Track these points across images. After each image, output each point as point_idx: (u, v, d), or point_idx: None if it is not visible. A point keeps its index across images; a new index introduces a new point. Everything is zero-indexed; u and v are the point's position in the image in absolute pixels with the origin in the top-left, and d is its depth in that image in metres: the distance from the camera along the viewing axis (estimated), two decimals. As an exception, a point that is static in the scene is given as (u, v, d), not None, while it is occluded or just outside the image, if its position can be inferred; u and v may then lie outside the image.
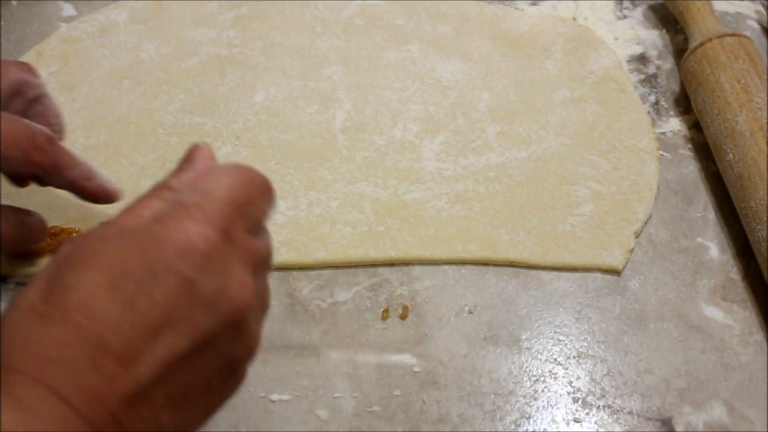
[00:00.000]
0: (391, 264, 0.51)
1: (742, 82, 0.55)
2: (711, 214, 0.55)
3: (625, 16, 0.69)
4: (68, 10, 0.66)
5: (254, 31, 0.64)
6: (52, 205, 0.51)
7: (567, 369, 0.47)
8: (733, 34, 0.59)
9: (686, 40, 0.63)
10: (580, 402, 0.46)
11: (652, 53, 0.66)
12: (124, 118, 0.58)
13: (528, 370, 0.47)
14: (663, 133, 0.60)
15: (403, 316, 0.49)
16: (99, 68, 0.61)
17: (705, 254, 0.53)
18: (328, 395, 0.45)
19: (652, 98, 0.63)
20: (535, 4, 0.69)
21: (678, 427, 0.45)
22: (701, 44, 0.59)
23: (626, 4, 0.70)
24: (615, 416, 0.45)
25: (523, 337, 0.48)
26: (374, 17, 0.66)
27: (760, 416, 0.45)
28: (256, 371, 0.46)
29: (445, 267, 0.51)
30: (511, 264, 0.51)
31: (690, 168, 0.58)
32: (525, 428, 0.44)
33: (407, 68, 0.62)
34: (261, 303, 0.35)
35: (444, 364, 0.47)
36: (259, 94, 0.60)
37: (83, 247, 0.32)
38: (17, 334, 0.30)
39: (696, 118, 0.60)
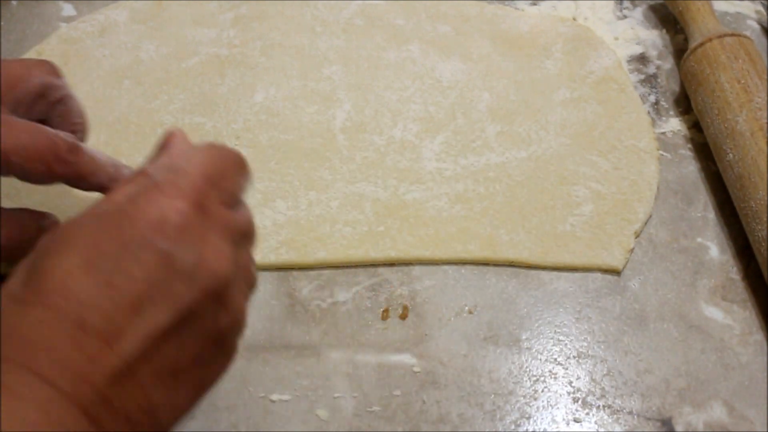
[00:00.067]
0: (391, 264, 0.51)
1: (742, 82, 0.55)
2: (711, 214, 0.55)
3: (625, 16, 0.69)
4: (68, 10, 0.66)
5: (254, 31, 0.64)
6: (51, 205, 0.51)
7: (567, 369, 0.47)
8: (733, 34, 0.59)
9: (686, 40, 0.63)
10: (580, 402, 0.46)
11: (652, 53, 0.66)
12: (124, 118, 0.58)
13: (528, 370, 0.47)
14: (663, 133, 0.60)
15: (403, 316, 0.49)
16: (99, 68, 0.61)
17: (705, 254, 0.53)
18: (328, 395, 0.45)
19: (652, 98, 0.63)
20: (535, 4, 0.69)
21: (678, 427, 0.45)
22: (701, 44, 0.59)
23: (626, 4, 0.70)
24: (615, 416, 0.45)
25: (523, 337, 0.48)
26: (374, 17, 0.66)
27: (760, 416, 0.45)
28: (256, 371, 0.46)
29: (445, 267, 0.51)
30: (511, 264, 0.51)
31: (690, 168, 0.58)
32: (525, 428, 0.44)
33: (407, 68, 0.62)
34: (244, 275, 0.35)
35: (444, 364, 0.47)
36: (259, 94, 0.60)
37: (59, 234, 0.32)
38: (0, 322, 0.30)
39: (696, 118, 0.60)
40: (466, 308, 0.49)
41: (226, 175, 0.35)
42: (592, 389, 0.46)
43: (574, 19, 0.68)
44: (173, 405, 0.32)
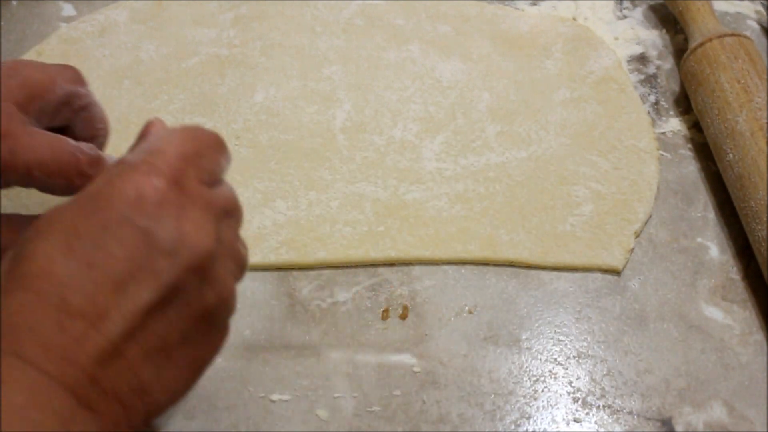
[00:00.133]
0: (391, 264, 0.51)
1: (742, 82, 0.55)
2: (711, 214, 0.55)
3: (625, 16, 0.69)
4: (68, 10, 0.66)
5: (254, 31, 0.64)
6: (51, 205, 0.51)
7: (567, 369, 0.47)
8: (733, 34, 0.59)
9: (686, 40, 0.63)
10: (580, 402, 0.46)
11: (652, 53, 0.66)
12: (124, 118, 0.58)
13: (528, 370, 0.47)
14: (663, 133, 0.60)
15: (403, 316, 0.49)
16: (99, 68, 0.61)
17: (705, 254, 0.53)
18: (328, 395, 0.45)
19: (652, 98, 0.63)
20: (535, 4, 0.69)
21: (678, 427, 0.45)
22: (701, 44, 0.59)
23: (626, 4, 0.70)
24: (615, 416, 0.45)
25: (523, 337, 0.48)
26: (374, 17, 0.66)
27: (760, 416, 0.45)
28: (256, 371, 0.46)
29: (445, 267, 0.51)
30: (511, 264, 0.51)
31: (690, 168, 0.58)
32: (525, 428, 0.44)
33: (407, 68, 0.62)
34: (231, 253, 0.35)
35: (444, 364, 0.47)
36: (259, 94, 0.60)
37: (39, 222, 0.32)
38: None
39: (696, 118, 0.60)
40: (466, 308, 0.49)
41: (202, 153, 0.35)
42: (592, 389, 0.46)
43: (574, 19, 0.68)
44: (166, 384, 0.32)
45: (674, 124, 0.61)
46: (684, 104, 0.62)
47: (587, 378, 0.47)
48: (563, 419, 0.45)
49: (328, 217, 0.52)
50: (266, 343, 0.47)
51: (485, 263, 0.51)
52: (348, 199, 0.53)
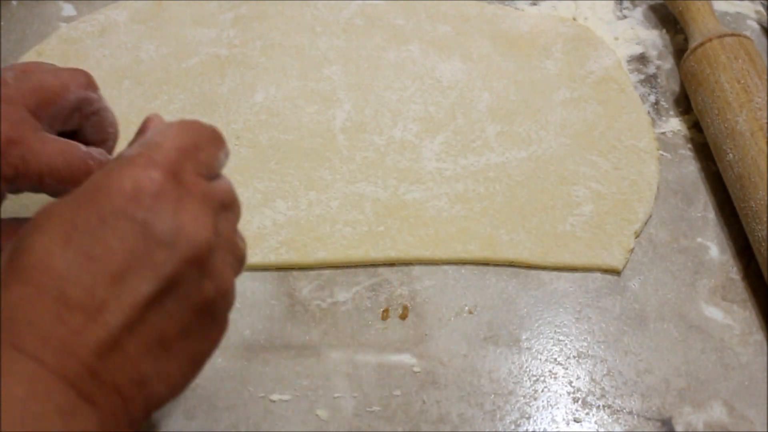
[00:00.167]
0: (391, 264, 0.51)
1: (742, 82, 0.55)
2: (711, 214, 0.55)
3: (625, 16, 0.69)
4: (68, 10, 0.66)
5: (254, 31, 0.64)
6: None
7: (567, 369, 0.47)
8: (733, 34, 0.59)
9: (686, 40, 0.63)
10: (580, 402, 0.46)
11: (652, 53, 0.66)
12: (124, 118, 0.57)
13: (528, 370, 0.47)
14: (663, 133, 0.60)
15: (403, 316, 0.49)
16: (99, 68, 0.61)
17: (705, 254, 0.53)
18: (328, 395, 0.45)
19: (652, 98, 0.63)
20: (535, 4, 0.69)
21: (678, 427, 0.45)
22: (701, 44, 0.59)
23: (626, 4, 0.70)
24: (615, 416, 0.45)
25: (523, 337, 0.48)
26: (374, 17, 0.66)
27: (760, 416, 0.45)
28: (256, 371, 0.46)
29: (445, 267, 0.51)
30: (511, 264, 0.51)
31: (690, 168, 0.58)
32: (525, 428, 0.44)
33: (407, 68, 0.62)
34: (229, 247, 0.35)
35: (444, 364, 0.47)
36: (259, 94, 0.60)
37: (38, 216, 0.32)
38: None
39: (696, 118, 0.60)
40: (466, 308, 0.49)
41: (200, 147, 0.35)
42: (592, 389, 0.46)
43: (574, 19, 0.68)
44: (165, 377, 0.32)
45: (674, 124, 0.61)
46: (684, 104, 0.62)
47: (587, 378, 0.47)
48: (563, 419, 0.45)
49: (328, 217, 0.52)
50: (266, 343, 0.47)
51: (485, 263, 0.51)
52: (348, 199, 0.53)
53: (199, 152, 0.35)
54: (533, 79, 0.62)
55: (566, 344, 0.48)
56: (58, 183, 0.41)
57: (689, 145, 0.59)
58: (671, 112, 0.62)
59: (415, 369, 0.46)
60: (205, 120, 0.57)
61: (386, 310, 0.49)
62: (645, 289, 0.51)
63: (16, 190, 0.41)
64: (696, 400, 0.46)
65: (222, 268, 0.34)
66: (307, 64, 0.62)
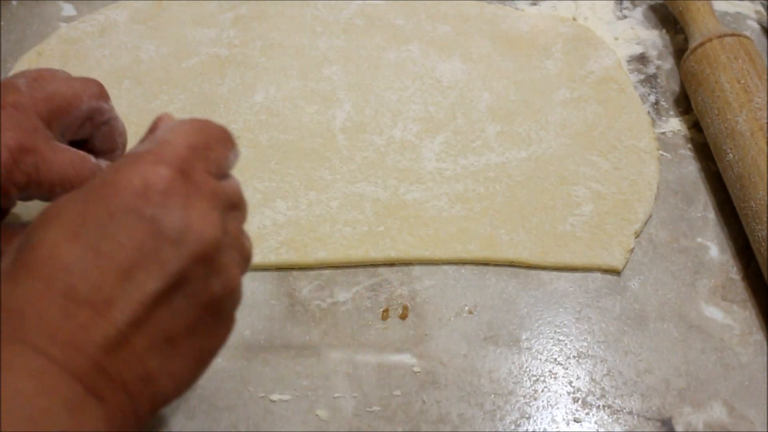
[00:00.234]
0: (391, 264, 0.51)
1: (742, 82, 0.55)
2: (711, 214, 0.55)
3: (625, 16, 0.69)
4: (68, 10, 0.66)
5: (254, 31, 0.64)
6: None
7: (567, 369, 0.47)
8: (733, 34, 0.59)
9: (686, 40, 0.63)
10: (580, 402, 0.46)
11: (652, 53, 0.66)
12: (124, 118, 0.57)
13: (528, 370, 0.47)
14: (663, 133, 0.60)
15: (403, 316, 0.49)
16: (99, 68, 0.61)
17: (705, 254, 0.53)
18: (328, 395, 0.45)
19: (652, 98, 0.63)
20: (535, 4, 0.69)
21: (678, 427, 0.45)
22: (701, 44, 0.59)
23: (626, 4, 0.70)
24: (615, 416, 0.45)
25: (523, 337, 0.48)
26: (374, 17, 0.66)
27: (760, 416, 0.45)
28: (256, 371, 0.46)
29: (445, 267, 0.51)
30: (511, 264, 0.51)
31: (690, 168, 0.58)
32: (525, 428, 0.44)
33: (407, 68, 0.62)
34: (236, 245, 0.35)
35: (444, 364, 0.47)
36: (259, 94, 0.60)
37: (46, 210, 0.32)
38: None
39: (696, 118, 0.60)
40: (466, 308, 0.49)
41: (210, 146, 0.35)
42: (592, 389, 0.46)
43: (574, 19, 0.68)
44: (172, 374, 0.32)
45: (674, 124, 0.61)
46: (684, 104, 0.62)
47: (587, 378, 0.47)
48: (563, 419, 0.45)
49: (328, 217, 0.52)
50: (266, 343, 0.47)
51: (485, 263, 0.51)
52: (348, 199, 0.53)
53: (209, 151, 0.35)
54: (533, 79, 0.62)
55: (566, 344, 0.48)
56: (67, 192, 0.41)
57: (689, 145, 0.59)
58: (671, 112, 0.62)
59: (415, 369, 0.46)
60: (205, 120, 0.58)
61: (386, 310, 0.49)
62: (645, 289, 0.51)
63: (27, 198, 0.42)
64: (696, 400, 0.46)
65: (229, 266, 0.34)
66: (307, 64, 0.62)
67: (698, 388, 0.46)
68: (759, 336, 0.49)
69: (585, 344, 0.48)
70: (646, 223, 0.54)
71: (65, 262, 0.30)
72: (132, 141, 0.56)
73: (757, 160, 0.51)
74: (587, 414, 0.45)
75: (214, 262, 0.33)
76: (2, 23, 0.64)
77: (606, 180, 0.55)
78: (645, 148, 0.58)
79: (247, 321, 0.48)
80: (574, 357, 0.48)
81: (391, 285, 0.50)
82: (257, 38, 0.63)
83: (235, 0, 0.66)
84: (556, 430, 0.45)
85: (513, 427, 0.44)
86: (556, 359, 0.47)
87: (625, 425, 0.45)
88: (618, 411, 0.45)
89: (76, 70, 0.60)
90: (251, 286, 0.49)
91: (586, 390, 0.46)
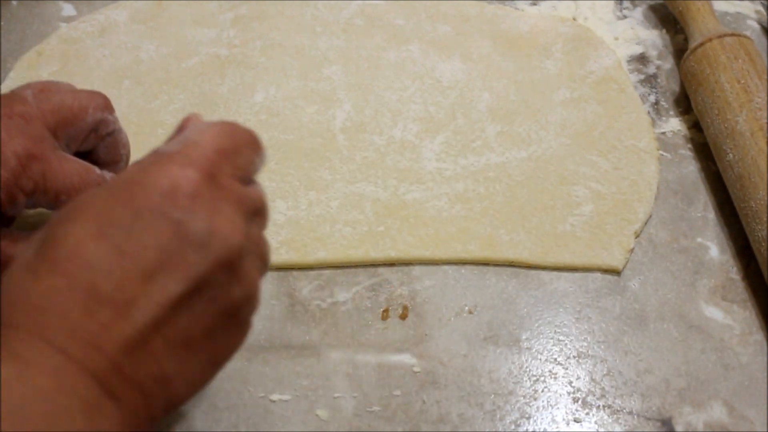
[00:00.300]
0: (391, 264, 0.51)
1: (742, 82, 0.55)
2: (711, 214, 0.55)
3: (625, 16, 0.69)
4: (68, 10, 0.66)
5: (254, 31, 0.64)
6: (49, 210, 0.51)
7: (567, 369, 0.47)
8: (733, 34, 0.59)
9: (686, 40, 0.63)
10: (580, 402, 0.46)
11: (652, 53, 0.66)
12: (124, 118, 0.57)
13: (528, 370, 0.47)
14: (663, 133, 0.60)
15: (403, 316, 0.49)
16: (99, 68, 0.61)
17: (705, 254, 0.53)
18: (328, 395, 0.45)
19: (652, 98, 0.63)
20: (535, 4, 0.69)
21: (678, 427, 0.45)
22: (701, 44, 0.59)
23: (626, 4, 0.70)
24: (615, 416, 0.45)
25: (523, 337, 0.48)
26: (374, 17, 0.66)
27: (760, 416, 0.45)
28: (256, 371, 0.46)
29: (445, 267, 0.51)
30: (511, 264, 0.51)
31: (690, 168, 0.58)
32: (525, 428, 0.44)
33: (407, 68, 0.62)
34: (256, 250, 0.35)
35: (444, 364, 0.47)
36: (259, 94, 0.60)
37: (72, 205, 0.32)
38: (12, 291, 0.30)
39: (696, 118, 0.60)
40: (466, 308, 0.49)
41: (238, 150, 0.35)
42: (592, 389, 0.46)
43: (574, 19, 0.68)
44: (187, 377, 0.32)
45: (674, 124, 0.61)
46: (684, 104, 0.62)
47: (587, 378, 0.47)
48: (563, 419, 0.45)
49: (328, 217, 0.52)
50: (266, 343, 0.47)
51: (485, 263, 0.51)
52: (348, 199, 0.53)
53: (236, 155, 0.35)
54: (533, 79, 0.62)
55: (566, 344, 0.48)
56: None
57: (689, 145, 0.59)
58: (671, 112, 0.62)
59: (415, 369, 0.46)
60: (205, 120, 0.58)
61: (386, 310, 0.49)
62: (645, 289, 0.51)
63: (33, 205, 0.42)
64: (696, 400, 0.46)
65: (250, 272, 0.34)
66: (307, 64, 0.62)
67: (698, 388, 0.46)
68: (759, 336, 0.49)
69: (585, 344, 0.48)
70: (646, 223, 0.54)
71: (89, 259, 0.30)
72: (132, 141, 0.56)
73: (757, 160, 0.51)
74: (587, 414, 0.45)
75: (236, 268, 0.33)
76: (2, 23, 0.64)
77: (606, 180, 0.55)
78: (645, 148, 0.58)
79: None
80: (574, 357, 0.48)
81: (391, 285, 0.50)
82: (257, 38, 0.63)
83: (235, 0, 0.66)
84: (556, 430, 0.45)
85: (513, 427, 0.44)
86: (556, 359, 0.47)
87: (625, 425, 0.45)
88: (618, 411, 0.45)
89: (76, 70, 0.60)
90: (251, 286, 0.49)
91: (586, 390, 0.46)
